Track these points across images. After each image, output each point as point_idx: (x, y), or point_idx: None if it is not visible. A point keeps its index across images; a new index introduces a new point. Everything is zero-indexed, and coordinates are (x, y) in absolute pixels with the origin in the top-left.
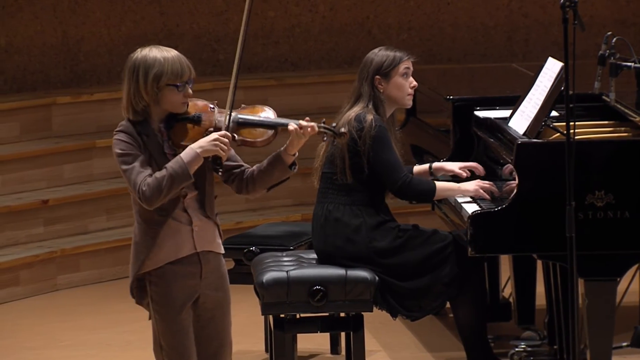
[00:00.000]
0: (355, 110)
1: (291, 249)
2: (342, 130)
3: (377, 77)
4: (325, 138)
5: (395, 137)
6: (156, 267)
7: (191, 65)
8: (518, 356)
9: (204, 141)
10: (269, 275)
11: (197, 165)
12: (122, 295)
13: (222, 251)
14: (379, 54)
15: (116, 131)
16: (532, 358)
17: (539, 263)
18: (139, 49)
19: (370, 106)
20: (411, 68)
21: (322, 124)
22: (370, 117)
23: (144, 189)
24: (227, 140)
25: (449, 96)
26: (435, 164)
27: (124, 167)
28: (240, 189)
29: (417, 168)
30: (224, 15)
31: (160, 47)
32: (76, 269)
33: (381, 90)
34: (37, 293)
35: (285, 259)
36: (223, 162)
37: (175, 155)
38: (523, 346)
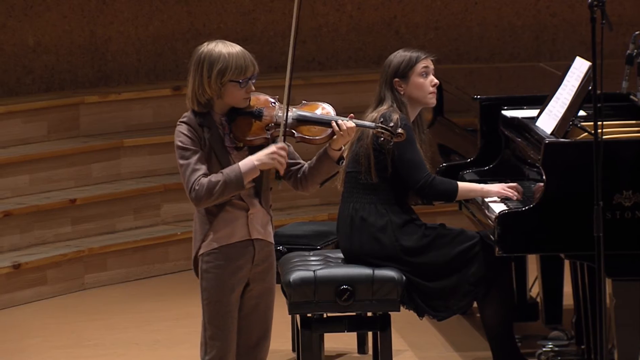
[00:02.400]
0: (381, 109)
1: (318, 249)
2: (399, 131)
3: (396, 79)
4: (382, 139)
5: (421, 139)
6: (209, 249)
7: (255, 61)
8: (545, 356)
9: (262, 154)
10: (296, 275)
11: (253, 177)
12: (149, 294)
13: (273, 241)
14: (397, 55)
15: (179, 122)
16: (559, 358)
17: (567, 263)
18: (205, 43)
19: (395, 107)
20: (431, 66)
21: (379, 124)
22: (396, 116)
23: (196, 188)
24: (284, 152)
25: (477, 96)
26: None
27: (181, 161)
28: (296, 185)
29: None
30: (251, 15)
31: (226, 42)
32: (103, 268)
33: (402, 92)
34: (65, 292)
35: (313, 258)
36: (282, 174)
37: (236, 148)
38: (550, 346)
